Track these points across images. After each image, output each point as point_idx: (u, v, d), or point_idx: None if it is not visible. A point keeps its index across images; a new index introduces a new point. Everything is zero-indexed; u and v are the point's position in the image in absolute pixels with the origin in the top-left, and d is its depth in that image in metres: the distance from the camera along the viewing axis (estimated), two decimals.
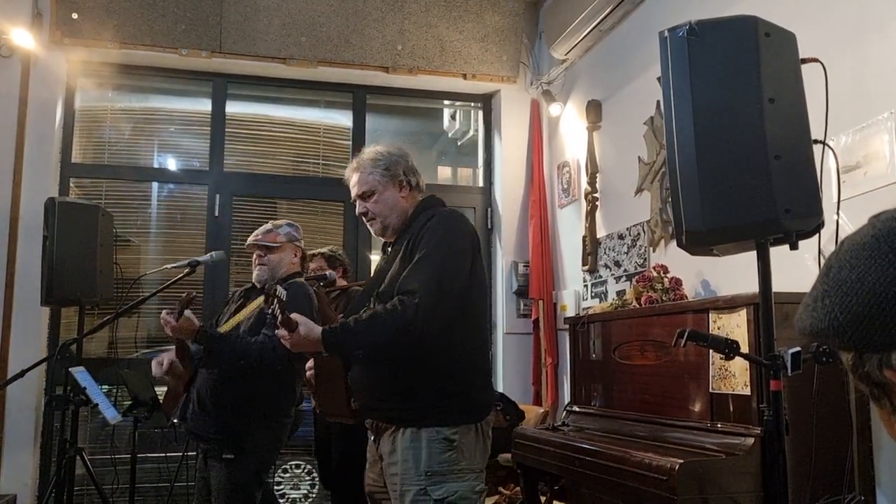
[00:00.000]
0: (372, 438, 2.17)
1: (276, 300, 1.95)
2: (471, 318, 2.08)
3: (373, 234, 2.27)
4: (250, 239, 3.00)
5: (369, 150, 2.26)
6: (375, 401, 2.07)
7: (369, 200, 2.19)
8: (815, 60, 1.95)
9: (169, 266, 3.25)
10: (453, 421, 1.98)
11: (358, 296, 2.25)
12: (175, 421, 3.07)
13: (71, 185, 4.55)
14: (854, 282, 0.65)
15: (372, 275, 2.22)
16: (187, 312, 2.65)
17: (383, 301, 2.02)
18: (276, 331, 2.00)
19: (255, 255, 2.98)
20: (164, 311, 2.69)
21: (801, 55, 1.93)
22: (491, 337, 4.84)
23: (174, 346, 2.87)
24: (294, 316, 1.95)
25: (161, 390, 3.73)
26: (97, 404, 3.24)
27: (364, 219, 2.24)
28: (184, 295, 2.67)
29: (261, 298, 2.85)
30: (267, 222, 3.13)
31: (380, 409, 2.07)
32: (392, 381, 2.01)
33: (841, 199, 2.12)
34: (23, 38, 4.23)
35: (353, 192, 2.24)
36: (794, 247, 1.85)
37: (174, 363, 2.85)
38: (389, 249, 2.23)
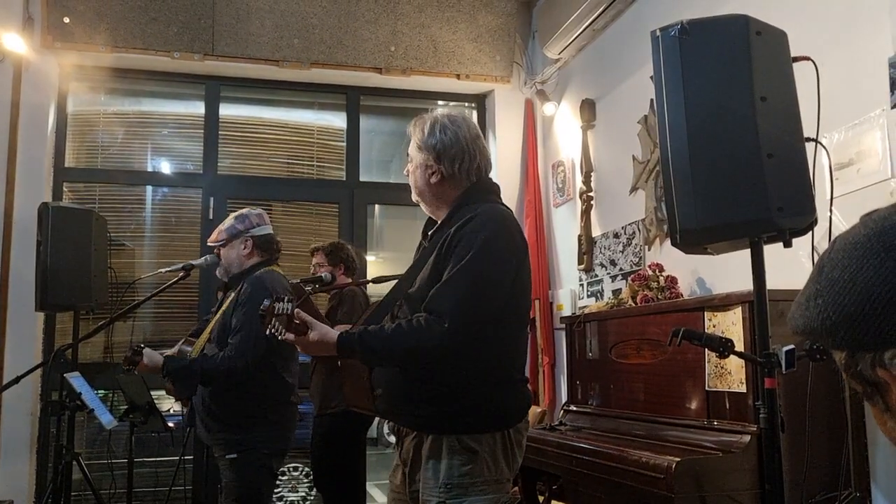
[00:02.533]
0: (394, 441, 2.09)
1: (273, 319, 1.79)
2: (507, 323, 1.92)
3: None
4: None
5: (439, 115, 2.14)
6: (398, 404, 1.95)
7: (410, 164, 2.12)
8: (807, 59, 1.95)
9: (163, 270, 3.25)
10: (477, 428, 1.84)
11: (389, 291, 2.05)
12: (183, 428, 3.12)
13: (64, 189, 4.53)
14: (846, 281, 0.65)
15: (409, 267, 2.04)
16: (147, 351, 2.65)
17: (411, 304, 1.91)
18: (285, 335, 1.84)
19: None
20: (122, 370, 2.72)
21: (793, 53, 1.94)
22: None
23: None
24: (303, 316, 1.84)
25: (157, 394, 3.72)
26: (93, 409, 3.23)
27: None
28: (129, 354, 2.73)
29: (227, 301, 2.87)
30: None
31: (402, 413, 1.97)
32: (415, 385, 1.89)
33: (834, 196, 2.13)
34: (14, 42, 4.21)
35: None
36: (787, 244, 1.86)
37: None
38: (430, 236, 2.08)
